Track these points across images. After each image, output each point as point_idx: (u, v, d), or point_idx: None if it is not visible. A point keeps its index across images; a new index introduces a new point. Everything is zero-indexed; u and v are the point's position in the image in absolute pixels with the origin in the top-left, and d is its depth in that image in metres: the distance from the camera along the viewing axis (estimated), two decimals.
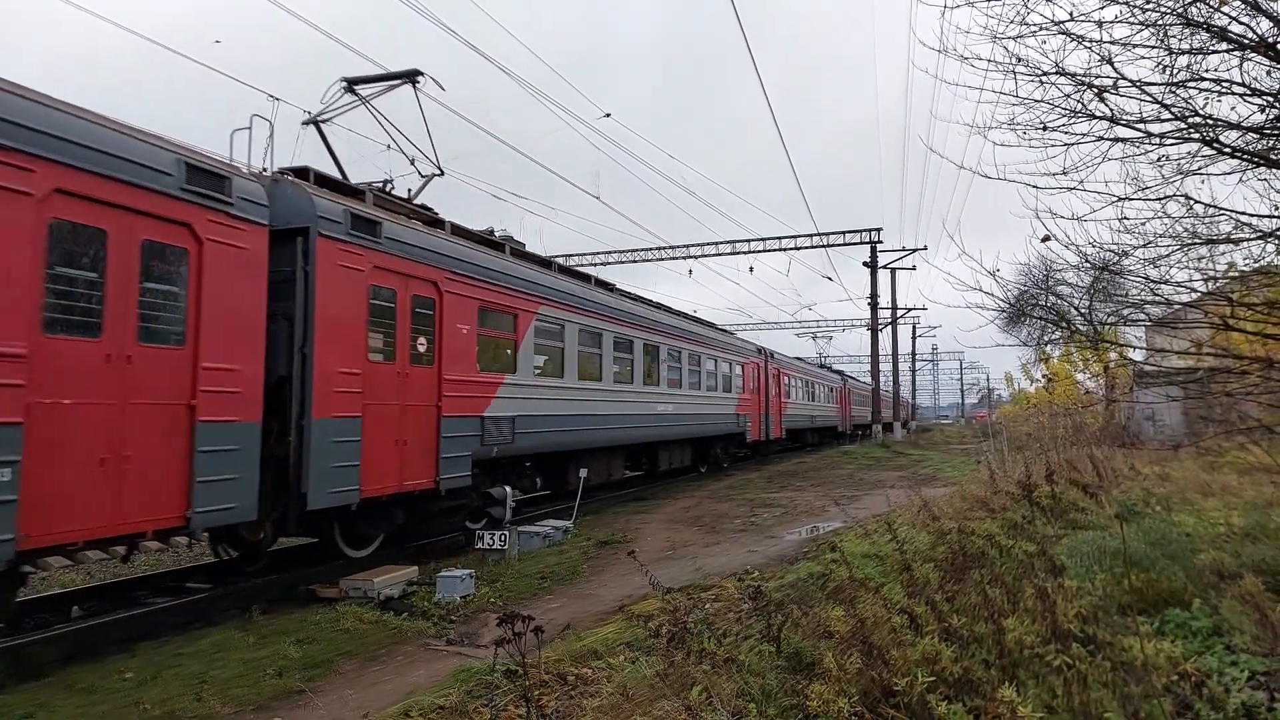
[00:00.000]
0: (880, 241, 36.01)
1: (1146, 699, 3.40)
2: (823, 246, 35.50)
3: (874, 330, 38.90)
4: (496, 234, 13.21)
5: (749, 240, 36.39)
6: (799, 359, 37.54)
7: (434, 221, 10.74)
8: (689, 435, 19.57)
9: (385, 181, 10.87)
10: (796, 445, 35.66)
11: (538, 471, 12.79)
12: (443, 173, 11.90)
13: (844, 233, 35.83)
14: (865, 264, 37.20)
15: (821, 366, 44.96)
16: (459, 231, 11.14)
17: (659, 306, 18.80)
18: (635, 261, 38.49)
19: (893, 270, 42.09)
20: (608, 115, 20.88)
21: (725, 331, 24.77)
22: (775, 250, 36.16)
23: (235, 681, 5.54)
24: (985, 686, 3.50)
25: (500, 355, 11.32)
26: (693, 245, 37.15)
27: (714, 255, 37.04)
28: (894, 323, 45.98)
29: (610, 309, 15.14)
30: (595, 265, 37.85)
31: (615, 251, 38.73)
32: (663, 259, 37.78)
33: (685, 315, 20.67)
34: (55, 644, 6.20)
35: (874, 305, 38.03)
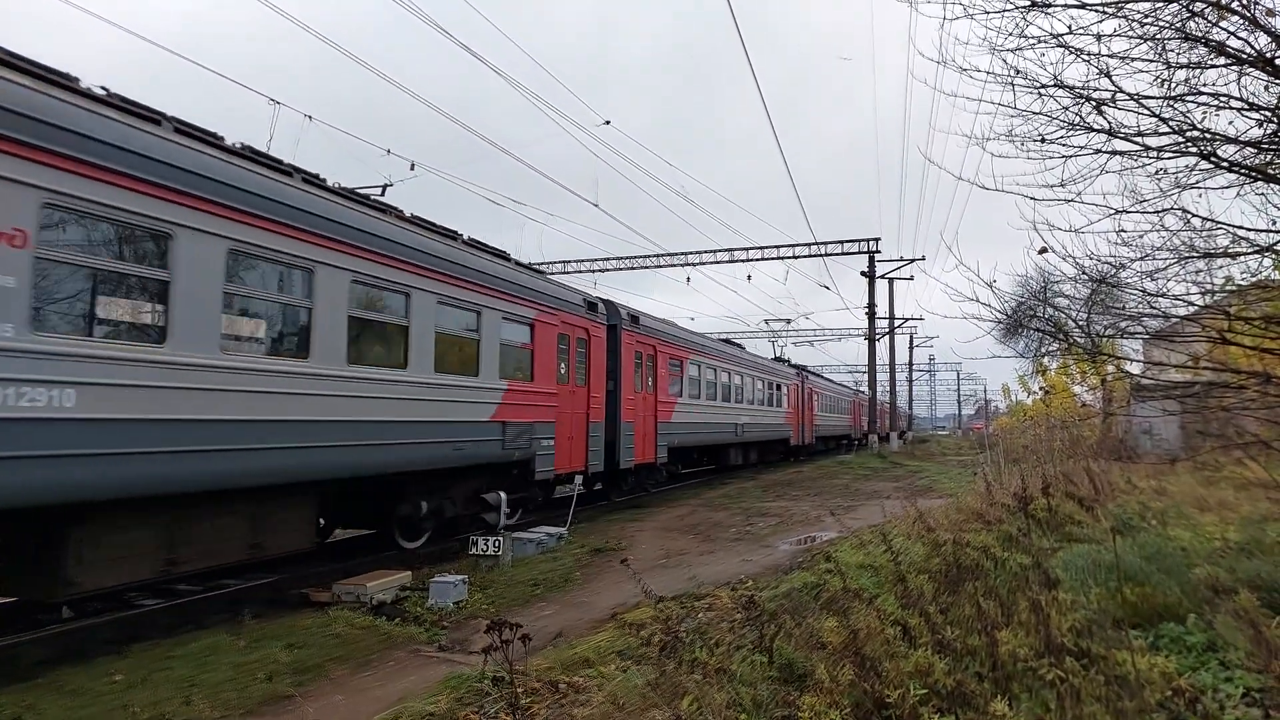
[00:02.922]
0: (878, 251, 36.13)
1: (1140, 714, 3.38)
2: (820, 256, 35.59)
3: (871, 340, 38.92)
4: None
5: (747, 249, 36.45)
6: (728, 341, 27.04)
7: None
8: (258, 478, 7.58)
9: (384, 187, 10.85)
10: (710, 467, 24.86)
11: None
12: None
13: (842, 242, 35.93)
14: (863, 274, 37.28)
15: (777, 360, 34.07)
16: None
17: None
18: (633, 269, 38.56)
19: (890, 280, 42.17)
20: (607, 123, 20.99)
21: (462, 244, 10.90)
22: (773, 259, 36.23)
23: (225, 685, 5.50)
24: (978, 699, 3.48)
25: None
26: (691, 253, 37.28)
27: (712, 263, 37.11)
28: (891, 333, 46.03)
29: None
30: (594, 272, 37.96)
31: (614, 259, 38.78)
32: (660, 266, 37.87)
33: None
34: (45, 645, 6.16)
35: (871, 315, 38.08)
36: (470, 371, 10.57)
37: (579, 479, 12.87)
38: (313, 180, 8.49)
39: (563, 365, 13.13)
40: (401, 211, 9.94)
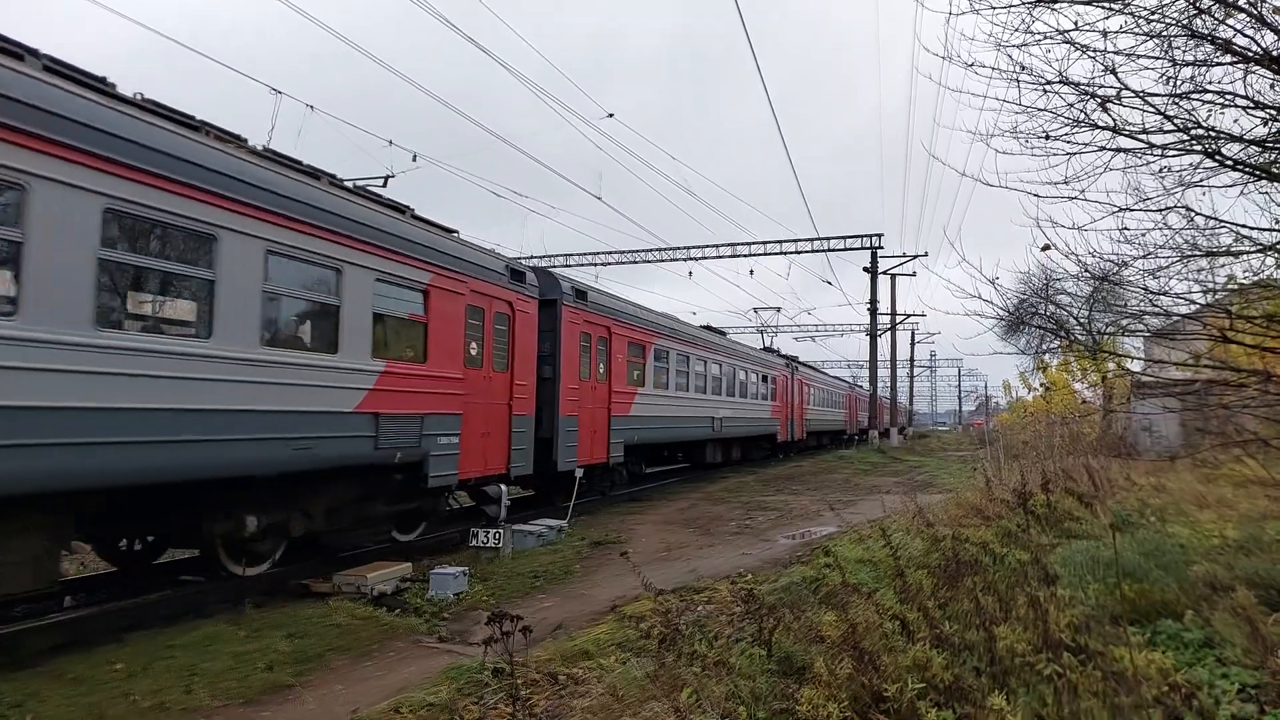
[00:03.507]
0: (881, 247, 36.08)
1: (1137, 709, 3.40)
2: (824, 251, 35.58)
3: (873, 336, 38.91)
4: None
5: (749, 243, 36.40)
6: (709, 327, 24.33)
7: None
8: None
9: (386, 178, 10.84)
10: (684, 466, 23.01)
11: None
12: None
13: (845, 237, 35.90)
14: (865, 269, 37.26)
15: (766, 350, 32.28)
16: None
17: None
18: (635, 262, 38.53)
19: (893, 276, 42.14)
20: (610, 115, 20.98)
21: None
22: (776, 254, 36.19)
23: (225, 674, 5.52)
24: (975, 694, 3.50)
25: None
26: (693, 247, 37.22)
27: (714, 257, 37.07)
28: (893, 329, 45.98)
29: None
30: (595, 265, 37.96)
31: (615, 252, 38.77)
32: (663, 260, 37.83)
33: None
34: (47, 633, 6.19)
35: (873, 311, 38.07)
36: (324, 347, 8.14)
37: (579, 473, 12.73)
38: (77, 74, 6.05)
39: (473, 345, 10.53)
40: (214, 126, 7.40)
